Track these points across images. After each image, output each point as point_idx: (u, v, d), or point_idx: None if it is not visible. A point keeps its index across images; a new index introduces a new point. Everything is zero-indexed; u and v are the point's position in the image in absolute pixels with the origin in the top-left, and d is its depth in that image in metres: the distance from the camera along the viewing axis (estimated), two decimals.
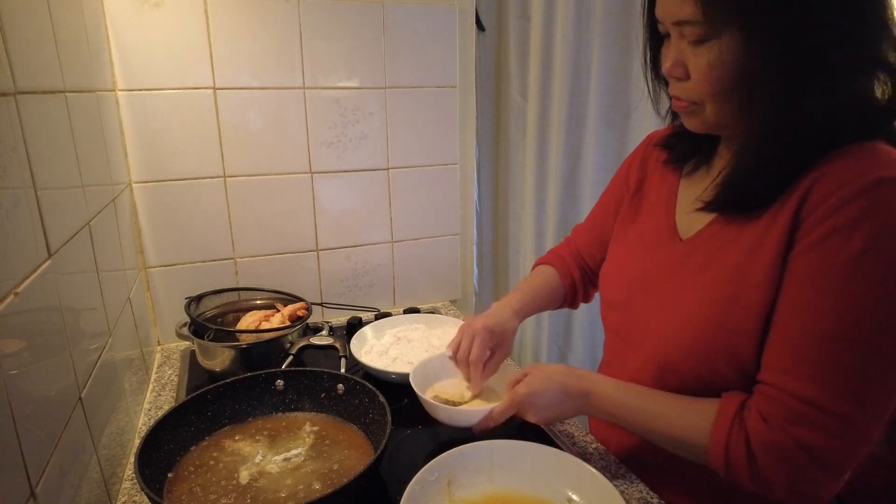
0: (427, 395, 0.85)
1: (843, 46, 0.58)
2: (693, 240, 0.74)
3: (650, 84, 0.77)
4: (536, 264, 1.08)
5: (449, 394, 0.88)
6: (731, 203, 0.68)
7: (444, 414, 0.81)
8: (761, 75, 0.60)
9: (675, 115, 0.79)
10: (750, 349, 0.65)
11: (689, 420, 0.68)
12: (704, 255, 0.71)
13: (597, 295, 1.01)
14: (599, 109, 1.43)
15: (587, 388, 0.75)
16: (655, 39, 0.73)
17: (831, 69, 0.59)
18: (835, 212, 0.58)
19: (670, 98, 0.73)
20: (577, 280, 1.02)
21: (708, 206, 0.70)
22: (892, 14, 0.60)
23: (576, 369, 0.78)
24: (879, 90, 0.62)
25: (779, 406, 0.61)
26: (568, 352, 1.63)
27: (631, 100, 1.43)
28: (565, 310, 1.56)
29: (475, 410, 0.80)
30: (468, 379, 0.88)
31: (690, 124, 0.71)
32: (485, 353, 0.86)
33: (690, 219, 0.76)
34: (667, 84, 0.72)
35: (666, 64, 0.67)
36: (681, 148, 0.81)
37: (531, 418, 0.77)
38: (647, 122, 1.41)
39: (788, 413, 0.61)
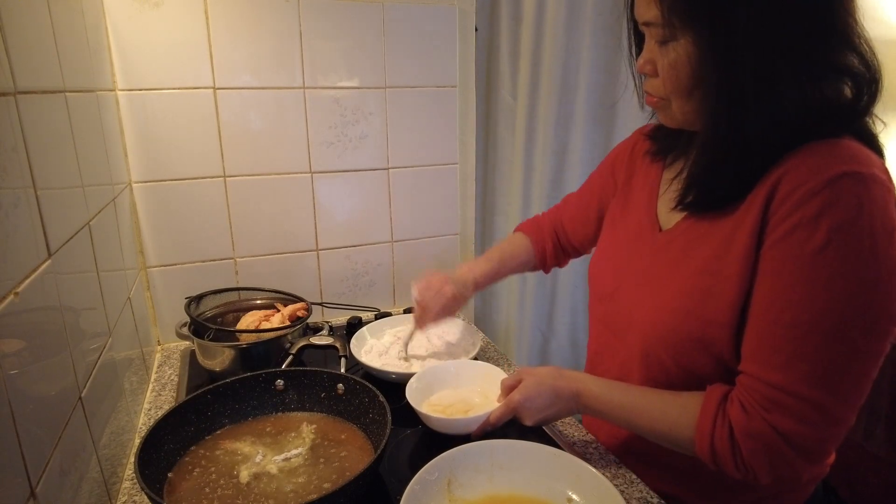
0: (424, 406, 0.88)
1: (792, 56, 0.61)
2: (671, 231, 0.77)
3: (635, 79, 0.79)
4: (516, 230, 1.15)
5: (444, 404, 0.90)
6: (694, 201, 0.71)
7: (440, 424, 0.84)
8: (712, 79, 0.64)
9: None
10: (725, 339, 0.67)
11: (675, 414, 0.71)
12: (680, 246, 0.74)
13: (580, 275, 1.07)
14: (587, 107, 1.47)
15: (577, 389, 0.78)
16: (638, 37, 0.76)
17: (780, 77, 0.61)
18: (799, 206, 0.61)
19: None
20: (548, 250, 1.08)
21: (677, 204, 0.73)
22: (852, 19, 0.62)
23: (565, 371, 0.82)
24: (847, 91, 0.64)
25: (755, 394, 0.64)
26: (551, 336, 1.66)
27: (618, 97, 1.47)
28: (548, 295, 1.64)
29: (469, 419, 0.83)
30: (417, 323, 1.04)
31: (662, 119, 0.75)
32: (438, 315, 1.02)
33: (669, 212, 0.79)
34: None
35: (639, 61, 0.71)
36: (663, 140, 0.84)
37: (527, 422, 0.81)
38: (633, 118, 1.46)
39: (763, 400, 0.63)
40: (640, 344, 0.76)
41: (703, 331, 0.69)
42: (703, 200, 0.71)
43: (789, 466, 0.64)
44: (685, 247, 0.73)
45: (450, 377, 0.95)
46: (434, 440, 0.86)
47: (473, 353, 1.06)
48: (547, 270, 1.13)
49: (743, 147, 0.65)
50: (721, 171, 0.67)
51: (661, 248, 0.77)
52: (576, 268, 1.57)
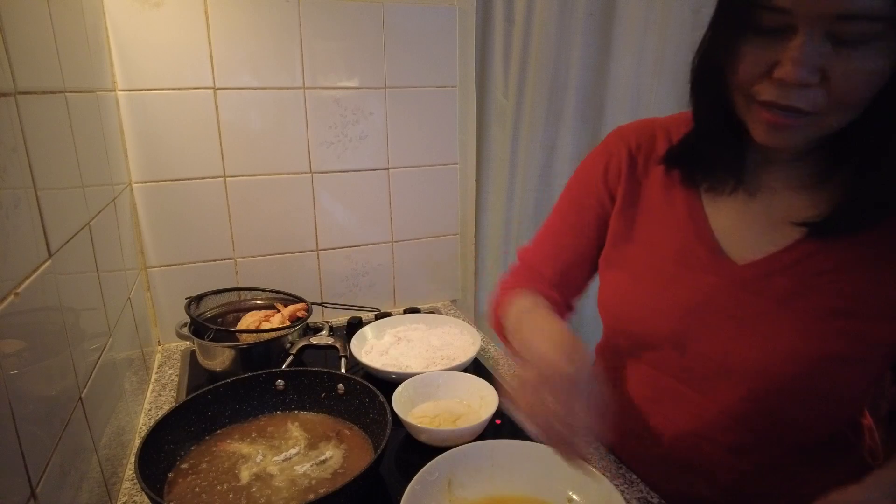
0: (410, 416, 0.87)
1: None
2: (768, 264, 0.66)
3: (699, 86, 0.66)
4: (509, 287, 0.85)
5: (430, 415, 0.90)
6: (845, 227, 0.62)
7: (427, 436, 0.83)
8: None
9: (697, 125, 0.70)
10: (870, 385, 0.64)
11: None
12: (794, 281, 0.64)
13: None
14: (576, 105, 1.50)
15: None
16: (740, 33, 0.57)
17: None
18: None
19: (753, 110, 0.60)
20: (563, 307, 0.85)
21: (821, 231, 0.63)
22: None
23: None
24: None
25: None
26: None
27: (605, 96, 1.51)
28: None
29: (457, 430, 0.82)
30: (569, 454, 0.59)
31: (784, 140, 0.59)
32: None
33: (744, 240, 0.69)
34: (743, 89, 0.60)
35: (797, 70, 0.53)
36: (703, 164, 0.71)
37: None
38: (620, 116, 1.50)
39: None
40: (746, 396, 0.67)
41: (845, 379, 0.63)
42: (867, 221, 0.61)
43: None
44: (802, 282, 0.64)
45: (434, 389, 0.94)
46: None
47: (474, 353, 1.06)
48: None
49: None
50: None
51: (751, 282, 0.67)
52: None
